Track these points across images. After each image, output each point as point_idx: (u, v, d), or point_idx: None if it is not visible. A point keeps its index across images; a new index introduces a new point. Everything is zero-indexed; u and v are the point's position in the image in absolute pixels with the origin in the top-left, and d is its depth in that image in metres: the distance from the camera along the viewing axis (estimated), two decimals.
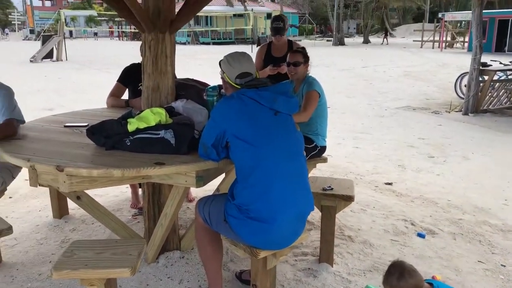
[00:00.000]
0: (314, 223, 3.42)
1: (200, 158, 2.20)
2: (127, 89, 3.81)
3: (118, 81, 3.74)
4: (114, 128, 2.38)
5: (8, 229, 2.24)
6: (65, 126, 2.91)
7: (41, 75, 14.63)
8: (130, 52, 27.01)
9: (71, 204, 3.62)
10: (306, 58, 3.39)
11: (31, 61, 19.37)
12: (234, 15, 39.39)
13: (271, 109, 2.04)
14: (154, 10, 2.70)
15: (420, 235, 3.28)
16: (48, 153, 2.32)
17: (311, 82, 3.39)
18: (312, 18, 52.81)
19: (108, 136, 2.38)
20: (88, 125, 2.92)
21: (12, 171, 2.87)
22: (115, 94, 3.71)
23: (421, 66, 17.65)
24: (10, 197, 4.15)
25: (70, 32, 49.97)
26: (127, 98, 3.82)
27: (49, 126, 2.95)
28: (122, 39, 50.27)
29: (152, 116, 2.38)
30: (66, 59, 20.44)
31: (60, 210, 3.62)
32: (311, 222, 3.43)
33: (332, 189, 2.72)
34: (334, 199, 2.68)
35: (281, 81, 4.14)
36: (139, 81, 3.73)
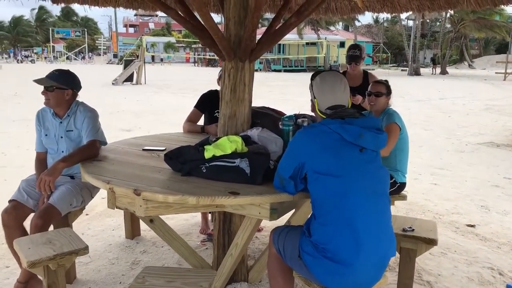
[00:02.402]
0: (389, 265, 3.20)
1: (275, 190, 2.13)
2: (203, 115, 3.87)
3: (195, 107, 3.80)
4: (191, 154, 2.38)
5: (85, 249, 2.29)
6: (144, 150, 2.97)
7: (121, 97, 15.45)
8: (205, 78, 27.98)
9: (143, 225, 3.68)
10: (388, 90, 3.26)
11: (113, 83, 20.58)
12: (307, 43, 39.69)
13: (356, 145, 1.93)
14: (235, 39, 2.71)
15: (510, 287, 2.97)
16: (126, 176, 2.36)
17: (391, 114, 3.24)
18: (387, 48, 52.02)
19: (185, 162, 2.38)
20: (165, 149, 2.97)
21: (91, 191, 2.96)
22: (191, 119, 3.77)
23: (504, 99, 16.62)
24: (86, 214, 4.31)
25: (152, 57, 52.83)
26: (203, 123, 3.87)
27: (129, 148, 3.03)
28: (198, 65, 52.23)
29: (229, 144, 2.36)
30: (145, 83, 21.50)
31: (132, 231, 3.69)
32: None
33: (413, 230, 2.54)
34: (415, 242, 2.49)
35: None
36: (216, 108, 3.78)
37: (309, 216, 2.14)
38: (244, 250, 2.55)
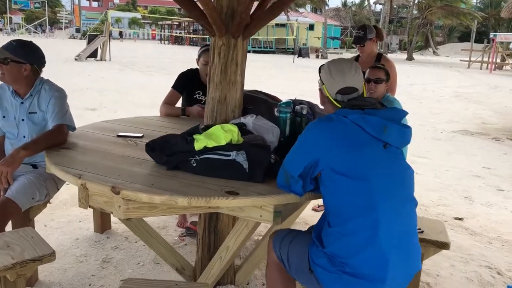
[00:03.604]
0: None
1: (279, 189, 1.84)
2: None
3: (173, 87, 3.44)
4: (179, 144, 2.04)
5: (51, 255, 1.93)
6: (118, 136, 2.61)
7: (85, 74, 14.69)
8: (172, 56, 27.19)
9: (114, 218, 3.33)
10: (388, 76, 2.99)
11: (75, 59, 19.62)
12: (277, 24, 39.16)
13: (380, 140, 1.64)
14: (228, 12, 2.36)
15: None
16: (100, 169, 2.00)
17: (391, 101, 3.00)
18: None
19: (171, 154, 2.04)
20: (143, 135, 2.62)
21: (57, 182, 2.58)
22: (169, 101, 3.41)
23: (472, 87, 16.85)
24: (49, 203, 3.90)
25: (120, 33, 51.02)
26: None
27: (100, 134, 2.66)
28: (164, 43, 50.90)
29: (223, 133, 2.04)
30: (110, 59, 20.62)
31: (102, 223, 3.33)
32: None
33: (422, 232, 2.31)
34: (425, 245, 2.26)
35: None
36: (196, 89, 3.44)
37: (317, 221, 1.86)
38: (236, 254, 2.26)
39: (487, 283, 2.89)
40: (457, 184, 5.18)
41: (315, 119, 2.59)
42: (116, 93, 11.09)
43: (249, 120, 2.35)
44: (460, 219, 4.09)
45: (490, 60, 27.30)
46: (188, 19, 51.75)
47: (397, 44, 55.77)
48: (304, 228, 3.50)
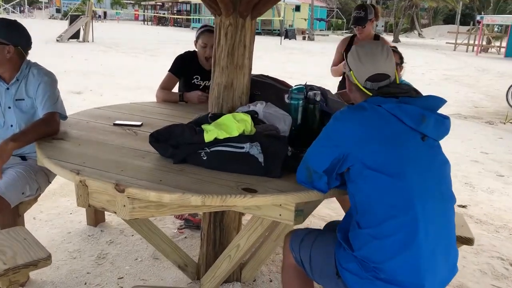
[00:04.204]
0: None
1: (300, 185, 1.67)
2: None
3: (170, 71, 3.22)
4: (186, 135, 1.85)
5: (46, 259, 1.75)
6: (115, 125, 2.40)
7: (67, 56, 14.24)
8: (155, 37, 26.65)
9: None
10: (401, 60, 2.83)
11: (57, 40, 19.03)
12: None
13: (417, 131, 1.48)
14: None
15: None
16: (100, 162, 1.81)
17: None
18: (341, 13, 51.86)
19: (178, 146, 1.86)
20: (142, 124, 2.42)
21: (48, 175, 2.38)
22: (166, 86, 3.20)
23: (460, 70, 16.83)
24: None
25: (104, 13, 49.79)
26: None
27: (95, 122, 2.45)
28: (147, 24, 49.90)
29: (235, 123, 1.85)
30: (93, 41, 20.07)
31: (95, 216, 3.13)
32: None
33: None
34: None
35: None
36: (194, 73, 3.23)
37: (342, 221, 1.70)
38: (246, 254, 2.10)
39: (501, 276, 2.79)
40: (457, 170, 5.09)
41: (328, 106, 2.44)
42: (101, 75, 10.76)
43: (259, 107, 2.17)
44: (464, 206, 4.00)
45: (477, 42, 27.35)
46: None
47: (382, 26, 55.64)
48: (319, 224, 3.36)
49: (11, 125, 2.30)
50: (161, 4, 53.26)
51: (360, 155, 1.47)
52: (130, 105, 2.98)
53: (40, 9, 59.08)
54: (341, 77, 3.79)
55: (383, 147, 1.45)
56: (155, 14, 49.64)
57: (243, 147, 1.80)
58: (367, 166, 1.45)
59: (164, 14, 49.03)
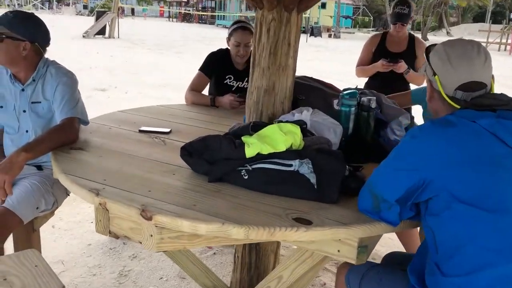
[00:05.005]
0: None
1: (362, 214, 1.37)
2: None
3: (200, 70, 2.95)
4: (224, 149, 1.57)
5: None
6: (141, 131, 2.14)
7: (93, 52, 14.19)
8: (180, 33, 26.58)
9: None
10: None
11: (83, 36, 19.08)
12: None
13: None
14: None
15: None
16: (124, 180, 1.54)
17: None
18: (368, 10, 51.03)
19: (214, 161, 1.58)
20: (170, 131, 2.15)
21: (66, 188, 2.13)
22: (196, 87, 2.92)
23: (496, 69, 16.09)
24: None
25: (132, 10, 50.20)
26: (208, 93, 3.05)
27: (119, 128, 2.19)
28: (172, 20, 50.04)
29: (281, 136, 1.56)
30: (119, 37, 20.06)
31: None
32: None
33: None
34: None
35: (393, 83, 3.29)
36: (227, 73, 2.95)
37: (414, 258, 1.40)
38: None
39: None
40: None
41: (383, 113, 2.13)
42: (126, 72, 10.61)
43: (305, 115, 1.88)
44: None
45: (510, 41, 26.39)
46: None
47: (409, 24, 54.48)
48: None
49: (26, 131, 2.07)
50: (186, 0, 53.35)
51: (447, 183, 1.16)
52: (157, 108, 2.72)
53: (68, 5, 60.02)
54: (367, 77, 3.46)
55: (479, 173, 1.14)
56: (180, 11, 49.74)
57: (291, 165, 1.51)
58: (457, 198, 1.14)
59: (189, 10, 49.07)
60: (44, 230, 2.51)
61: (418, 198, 1.23)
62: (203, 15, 47.10)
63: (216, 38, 24.35)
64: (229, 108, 2.76)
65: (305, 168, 1.50)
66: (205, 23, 46.35)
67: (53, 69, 2.06)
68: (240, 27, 2.86)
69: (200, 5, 50.80)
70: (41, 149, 1.79)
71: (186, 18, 48.61)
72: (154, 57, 14.01)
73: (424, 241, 1.35)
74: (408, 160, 1.24)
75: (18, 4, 52.16)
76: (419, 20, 40.55)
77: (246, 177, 1.52)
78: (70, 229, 3.07)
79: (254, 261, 2.12)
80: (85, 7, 51.11)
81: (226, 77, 2.94)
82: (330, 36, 32.78)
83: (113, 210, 1.39)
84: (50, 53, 2.12)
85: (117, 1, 20.33)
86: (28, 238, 2.10)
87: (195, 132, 2.21)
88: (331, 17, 40.33)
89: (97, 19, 20.18)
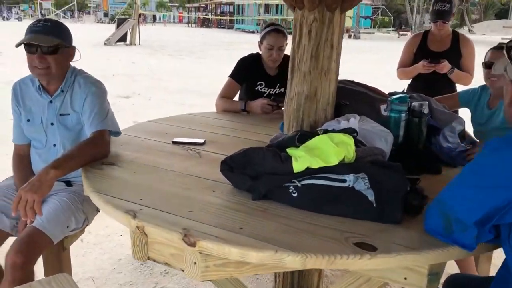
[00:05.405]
0: None
1: (431, 236, 1.21)
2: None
3: (231, 76, 2.82)
4: (268, 163, 1.43)
5: None
6: (174, 143, 2.02)
7: (115, 59, 14.27)
8: (200, 38, 26.65)
9: None
10: None
11: (105, 43, 19.25)
12: None
13: None
14: None
15: None
16: (162, 199, 1.42)
17: None
18: (387, 10, 50.47)
19: (258, 177, 1.44)
20: (205, 141, 2.02)
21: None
22: (227, 94, 2.80)
23: None
24: None
25: (154, 16, 50.80)
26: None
27: (151, 140, 2.07)
28: (191, 26, 50.31)
29: (334, 148, 1.41)
30: (139, 43, 20.19)
31: None
32: None
33: None
34: None
35: (437, 84, 3.10)
36: (258, 79, 2.82)
37: (493, 285, 1.23)
38: None
39: None
40: None
41: (434, 118, 1.96)
42: (149, 78, 10.61)
43: (353, 123, 1.72)
44: None
45: None
46: (215, 0, 50.87)
47: (429, 22, 53.71)
48: None
49: (54, 145, 1.96)
50: (204, 6, 53.65)
51: None
52: (187, 117, 2.60)
53: (89, 13, 60.98)
54: (410, 79, 3.29)
55: None
56: (198, 16, 49.98)
57: (345, 180, 1.36)
58: None
59: (207, 15, 49.30)
60: (73, 244, 2.41)
61: (501, 220, 1.07)
62: (222, 19, 47.24)
63: (235, 42, 24.35)
64: (260, 112, 2.63)
65: (361, 183, 1.35)
66: (224, 27, 46.48)
67: (81, 78, 1.95)
68: (274, 30, 2.73)
69: (218, 10, 50.97)
70: (71, 166, 1.68)
71: (205, 23, 48.86)
72: (175, 63, 14.02)
73: (505, 266, 1.18)
74: (488, 176, 1.08)
75: (42, 14, 53.25)
76: None
77: (295, 195, 1.37)
78: (99, 243, 2.97)
79: (297, 281, 1.97)
80: (105, 15, 51.85)
81: (257, 84, 2.81)
82: (349, 37, 32.47)
83: (152, 235, 1.26)
84: (74, 62, 2.03)
85: (137, 9, 20.47)
86: (58, 257, 2.00)
87: (230, 142, 2.08)
88: (350, 17, 39.93)
89: (118, 26, 20.37)
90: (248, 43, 22.51)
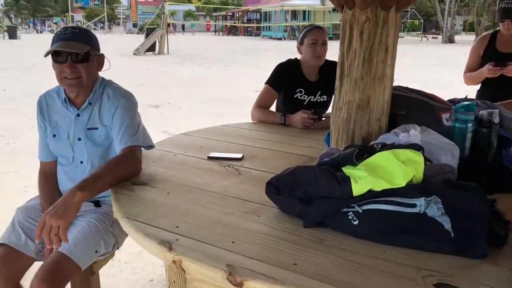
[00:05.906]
0: None
1: None
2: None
3: (268, 83, 2.64)
4: (322, 185, 1.24)
5: None
6: (210, 158, 1.84)
7: (144, 68, 14.33)
8: (228, 46, 26.69)
9: None
10: None
11: (134, 53, 19.44)
12: (334, 9, 37.64)
13: None
14: None
15: None
16: (200, 227, 1.24)
17: None
18: (417, 13, 49.60)
19: (309, 200, 1.25)
20: (243, 156, 1.84)
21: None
22: (264, 103, 2.62)
23: None
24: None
25: (183, 26, 51.49)
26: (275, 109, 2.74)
27: (185, 155, 1.91)
28: (218, 34, 50.64)
29: (400, 168, 1.21)
30: (168, 53, 20.31)
31: None
32: None
33: None
34: None
35: (510, 90, 2.81)
36: (297, 86, 2.63)
37: None
38: None
39: None
40: None
41: (504, 128, 1.73)
42: (178, 87, 10.55)
43: (414, 135, 1.51)
44: None
45: None
46: (241, 7, 51.14)
47: (461, 25, 52.42)
48: None
49: (81, 162, 1.82)
50: (231, 14, 53.95)
51: None
52: (222, 129, 2.43)
53: (118, 24, 62.26)
54: (479, 85, 3.03)
55: None
56: (226, 24, 50.27)
57: (414, 205, 1.16)
58: None
59: (234, 23, 49.54)
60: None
61: None
62: (249, 27, 47.34)
63: (262, 49, 24.26)
64: (301, 127, 2.43)
65: (434, 209, 1.14)
66: (251, 35, 46.56)
67: (110, 90, 1.81)
68: (315, 27, 2.61)
69: (245, 18, 51.14)
70: (100, 186, 1.53)
71: (232, 31, 49.05)
72: (204, 72, 13.97)
73: None
74: None
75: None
76: (471, 20, 38.84)
77: (355, 222, 1.17)
78: (130, 261, 2.82)
79: None
80: (134, 25, 52.77)
81: (297, 91, 2.62)
82: None
83: (190, 271, 1.09)
84: (102, 72, 1.89)
85: (165, 18, 20.64)
86: (87, 282, 1.85)
87: (270, 157, 1.90)
88: None
89: (147, 36, 20.55)
90: (275, 50, 22.39)
